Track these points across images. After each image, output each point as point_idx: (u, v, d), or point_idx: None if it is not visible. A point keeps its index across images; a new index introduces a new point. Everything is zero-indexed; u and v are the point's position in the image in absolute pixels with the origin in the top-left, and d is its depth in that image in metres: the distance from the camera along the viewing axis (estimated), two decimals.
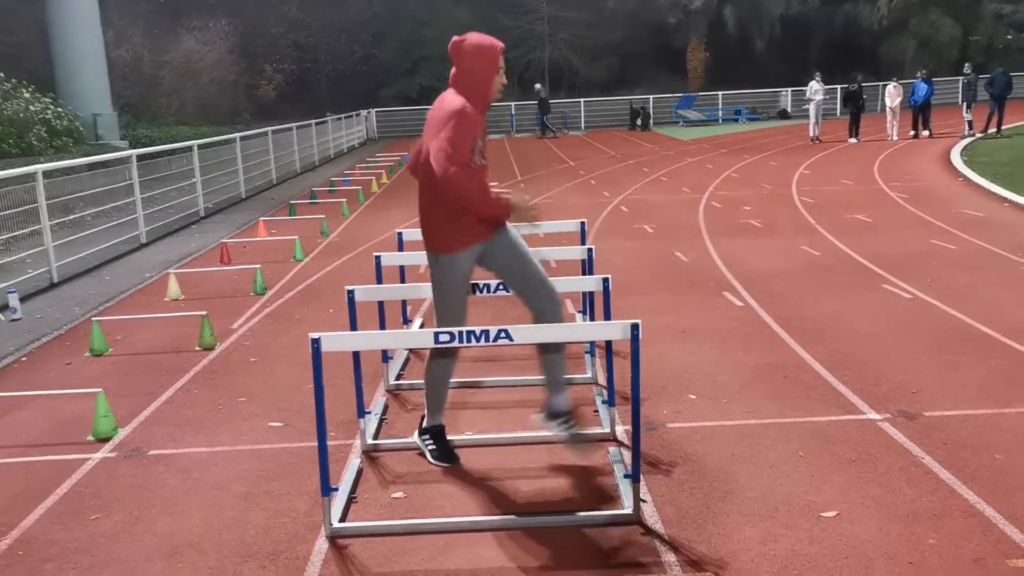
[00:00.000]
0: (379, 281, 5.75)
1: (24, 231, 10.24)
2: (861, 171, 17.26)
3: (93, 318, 7.15)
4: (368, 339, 4.18)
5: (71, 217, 11.75)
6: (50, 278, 9.67)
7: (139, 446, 4.96)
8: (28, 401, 5.73)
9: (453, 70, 4.17)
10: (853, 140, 23.97)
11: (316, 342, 3.68)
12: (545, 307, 4.33)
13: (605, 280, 4.77)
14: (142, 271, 10.26)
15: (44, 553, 3.79)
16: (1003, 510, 3.75)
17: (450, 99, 4.10)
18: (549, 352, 4.30)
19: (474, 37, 4.17)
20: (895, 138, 23.88)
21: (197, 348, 6.85)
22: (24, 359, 6.83)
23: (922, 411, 4.92)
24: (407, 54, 44.99)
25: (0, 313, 8.08)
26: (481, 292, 4.85)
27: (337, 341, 3.77)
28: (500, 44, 4.21)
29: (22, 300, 8.52)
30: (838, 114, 35.05)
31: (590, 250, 5.68)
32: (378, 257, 5.69)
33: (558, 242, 9.09)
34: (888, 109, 24.49)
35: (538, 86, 34.22)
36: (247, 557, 3.69)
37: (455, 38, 4.17)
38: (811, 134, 24.81)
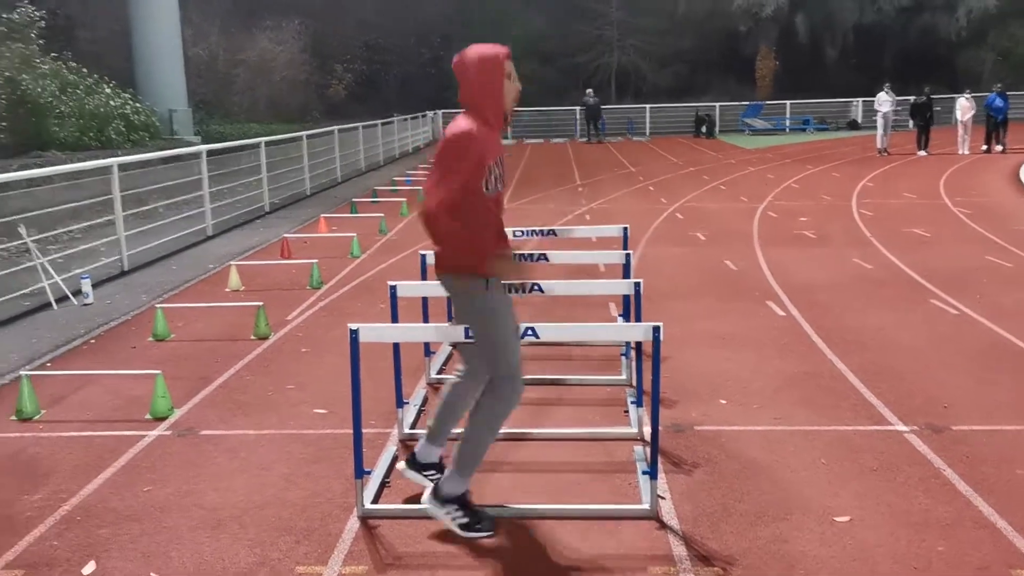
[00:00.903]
0: (423, 278, 5.98)
1: (99, 220, 10.76)
2: (926, 185, 17.03)
3: (157, 305, 7.53)
4: (403, 332, 4.40)
5: (143, 208, 12.27)
6: (121, 266, 10.14)
7: (192, 426, 5.27)
8: (95, 380, 6.10)
9: (461, 91, 3.77)
10: (922, 153, 23.59)
11: (354, 333, 3.91)
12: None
13: (637, 284, 4.92)
14: (206, 262, 10.69)
15: (100, 519, 4.10)
16: (1016, 523, 3.82)
17: (456, 123, 3.72)
18: (476, 424, 3.87)
19: (475, 49, 3.77)
20: (965, 152, 23.43)
21: (252, 337, 7.17)
22: (93, 341, 7.23)
23: (950, 425, 4.97)
24: None
25: (73, 297, 8.53)
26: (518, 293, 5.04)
27: (374, 333, 4.00)
28: (504, 49, 3.79)
29: (95, 286, 8.98)
30: (910, 126, 34.42)
31: (628, 255, 5.83)
32: (423, 255, 5.92)
33: (607, 246, 9.22)
34: (959, 123, 24.04)
35: (589, 91, 34.25)
36: (284, 532, 3.94)
37: (456, 56, 3.80)
38: (879, 146, 24.47)
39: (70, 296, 8.54)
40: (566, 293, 5.33)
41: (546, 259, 5.77)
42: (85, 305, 8.41)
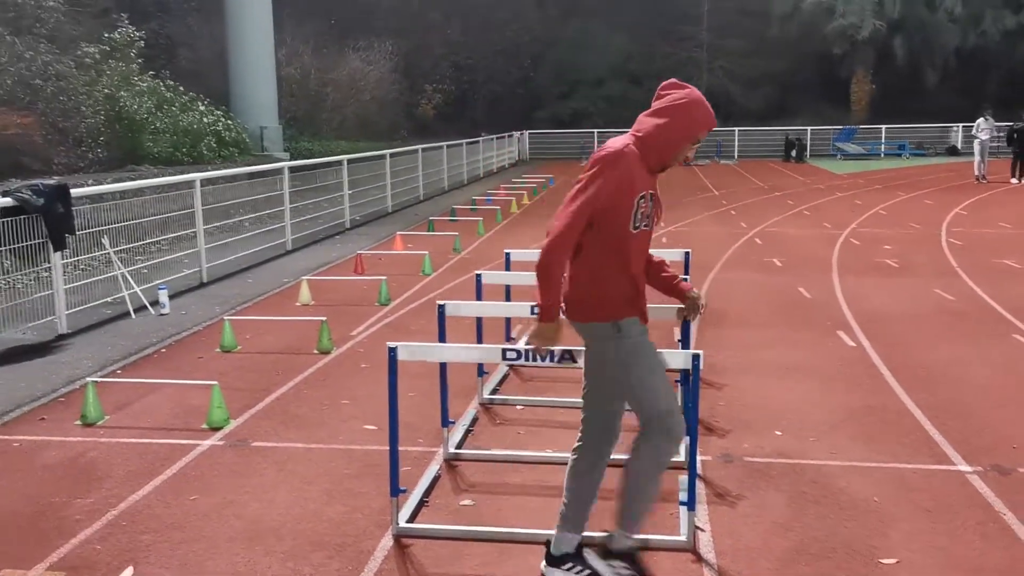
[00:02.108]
0: (479, 298, 5.99)
1: (181, 233, 11.12)
2: (1023, 215, 16.32)
3: (225, 317, 7.72)
4: (441, 351, 4.40)
5: (225, 222, 12.62)
6: (200, 278, 10.45)
7: (245, 437, 5.37)
8: (159, 388, 6.28)
9: (646, 114, 3.50)
10: (1016, 182, 22.65)
11: (393, 351, 3.94)
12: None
13: (696, 357, 4.81)
14: (281, 276, 10.93)
15: (144, 525, 4.20)
16: None
17: (612, 142, 3.43)
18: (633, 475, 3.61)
19: (693, 94, 3.47)
20: None
21: (315, 351, 7.29)
22: (163, 350, 7.46)
23: (1017, 467, 4.72)
24: (562, 77, 45.61)
25: (151, 308, 8.82)
26: None
27: (412, 351, 4.02)
28: (713, 122, 3.50)
29: (173, 297, 9.28)
30: (1009, 152, 33.07)
31: (685, 279, 5.71)
32: (479, 275, 5.93)
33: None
34: None
35: None
36: (318, 546, 3.97)
37: (673, 80, 3.54)
38: (976, 172, 23.59)
39: (148, 306, 8.83)
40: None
41: None
42: (161, 315, 8.68)
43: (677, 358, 3.85)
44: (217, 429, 5.49)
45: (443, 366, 4.93)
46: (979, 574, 3.62)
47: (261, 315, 8.57)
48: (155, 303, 8.88)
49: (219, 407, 5.56)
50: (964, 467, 4.75)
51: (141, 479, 4.75)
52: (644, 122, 3.47)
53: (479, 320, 5.90)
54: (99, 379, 6.20)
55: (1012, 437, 5.17)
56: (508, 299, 6.63)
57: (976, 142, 23.65)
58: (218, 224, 12.48)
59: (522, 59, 45.44)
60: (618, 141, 3.42)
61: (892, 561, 3.74)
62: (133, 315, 8.62)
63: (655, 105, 3.48)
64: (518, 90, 45.19)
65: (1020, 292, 9.31)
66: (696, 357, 3.72)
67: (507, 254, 6.71)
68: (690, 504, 3.88)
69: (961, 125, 37.04)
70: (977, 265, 11.04)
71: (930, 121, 38.58)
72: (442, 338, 5.14)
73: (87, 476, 4.81)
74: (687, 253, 6.61)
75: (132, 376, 6.66)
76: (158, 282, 9.46)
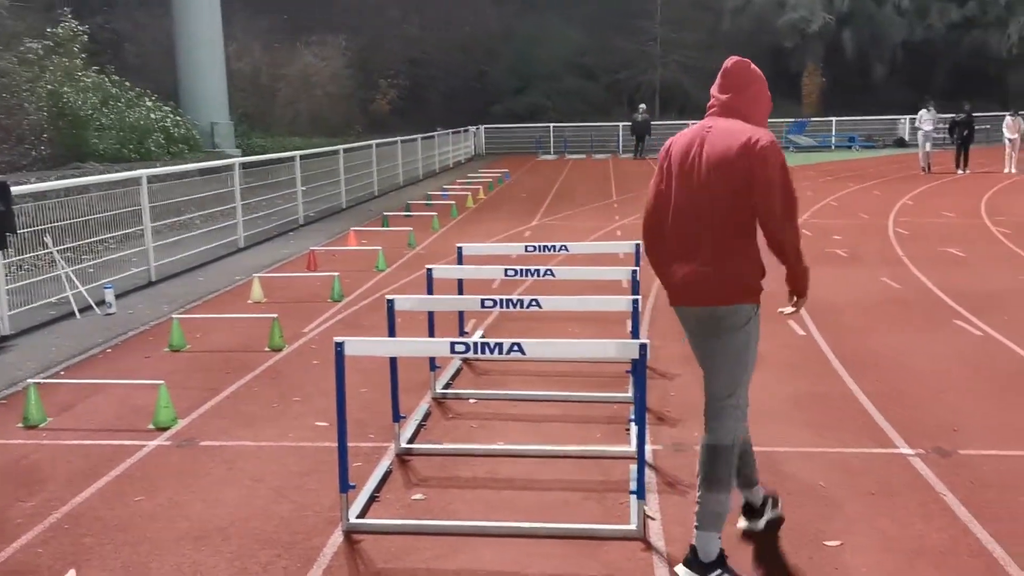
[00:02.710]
0: (430, 292, 5.96)
1: (127, 231, 10.92)
2: (968, 204, 16.66)
3: (173, 316, 7.61)
4: (389, 345, 4.38)
5: (173, 220, 12.43)
6: (148, 277, 10.29)
7: (193, 436, 5.30)
8: (103, 389, 6.16)
9: (731, 96, 3.56)
10: (960, 172, 23.11)
11: (340, 346, 3.91)
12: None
13: (635, 302, 4.85)
14: (233, 274, 10.80)
15: (87, 528, 4.12)
16: (1014, 552, 3.67)
17: (755, 132, 3.45)
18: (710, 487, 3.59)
19: (754, 65, 3.63)
20: (1012, 171, 22.89)
21: (266, 349, 7.21)
22: (109, 351, 7.33)
23: (957, 449, 4.82)
24: (517, 72, 45.65)
25: (96, 307, 8.66)
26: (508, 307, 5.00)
27: (359, 346, 3.99)
28: None
29: (120, 296, 9.13)
30: (950, 142, 33.75)
31: (634, 271, 5.76)
32: (430, 270, 5.91)
33: (631, 262, 9.14)
34: (1006, 141, 23.50)
35: (642, 107, 34.11)
36: (266, 545, 3.93)
37: (738, 59, 3.60)
38: (921, 164, 24.02)
39: (93, 306, 8.67)
40: (563, 308, 5.27)
41: (552, 275, 5.73)
42: (107, 315, 8.53)
43: (624, 348, 3.86)
44: (164, 429, 5.41)
45: (393, 361, 4.91)
46: (920, 555, 3.69)
47: (211, 313, 8.46)
48: (101, 303, 8.72)
49: (166, 407, 5.48)
50: (906, 450, 4.84)
51: (84, 481, 4.66)
52: (754, 106, 3.58)
53: (431, 315, 5.88)
54: (42, 380, 6.08)
55: (953, 421, 5.28)
56: (460, 293, 6.63)
57: (920, 133, 24.11)
58: (167, 222, 12.30)
59: (477, 54, 45.37)
60: (763, 132, 3.46)
61: (836, 543, 3.80)
62: (78, 315, 8.46)
63: (745, 88, 3.56)
64: (473, 85, 45.11)
65: (963, 279, 9.50)
66: (643, 347, 3.73)
67: (459, 248, 6.69)
68: (639, 493, 3.91)
69: (908, 117, 37.62)
70: (923, 254, 11.24)
71: (879, 113, 39.21)
72: (392, 333, 5.11)
73: (29, 479, 4.71)
74: (638, 245, 6.64)
75: (76, 377, 6.53)
76: (104, 281, 9.29)
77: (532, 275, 5.75)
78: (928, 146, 23.96)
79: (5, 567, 3.78)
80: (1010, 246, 11.78)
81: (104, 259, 10.44)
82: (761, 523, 3.90)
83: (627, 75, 47.05)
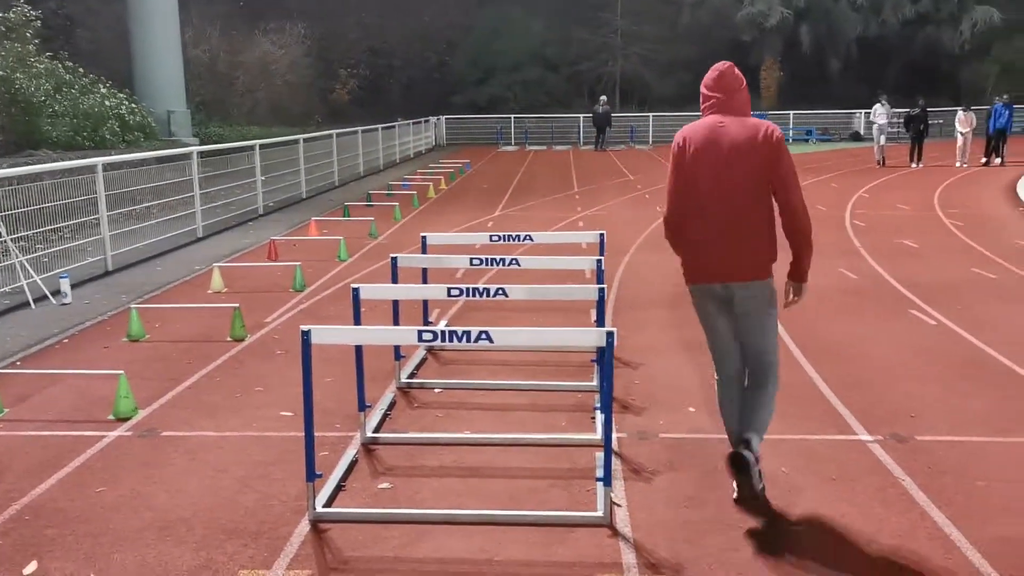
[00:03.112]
0: (394, 281, 5.94)
1: (83, 220, 10.72)
2: (921, 197, 16.96)
3: (131, 306, 7.49)
4: (357, 334, 4.36)
5: (130, 209, 12.22)
6: (105, 266, 10.12)
7: (154, 427, 5.23)
8: (60, 379, 6.06)
9: (729, 95, 4.05)
10: (914, 165, 23.51)
11: (306, 334, 3.88)
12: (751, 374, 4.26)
13: (601, 290, 4.89)
14: (192, 264, 10.67)
15: (48, 520, 4.06)
16: (970, 535, 3.76)
17: (766, 124, 4.00)
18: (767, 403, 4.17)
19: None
20: (964, 165, 23.35)
21: (228, 339, 7.14)
22: (66, 341, 7.20)
23: (914, 435, 4.92)
24: (479, 63, 45.52)
25: (52, 297, 8.51)
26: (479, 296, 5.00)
27: (326, 334, 3.97)
28: None
29: (76, 286, 8.97)
30: (907, 136, 34.32)
31: (599, 261, 5.79)
32: (394, 258, 5.89)
33: (594, 252, 9.18)
34: (958, 135, 23.95)
35: (603, 98, 34.22)
36: (232, 535, 3.90)
37: (729, 63, 4.15)
38: (876, 157, 24.40)
39: (48, 295, 8.52)
40: (530, 297, 5.28)
41: (518, 264, 5.73)
42: (63, 305, 8.39)
43: (591, 336, 3.89)
44: (124, 420, 5.34)
45: (359, 350, 4.89)
46: (878, 539, 3.76)
47: (171, 303, 8.35)
48: (56, 292, 8.57)
49: (126, 397, 5.40)
50: (865, 436, 4.93)
51: (44, 472, 4.59)
52: (742, 104, 4.10)
53: (395, 304, 5.85)
54: None
55: (909, 407, 5.39)
56: (425, 282, 6.61)
57: (875, 127, 24.49)
58: (123, 211, 12.09)
59: (438, 44, 45.16)
60: (766, 123, 4.02)
61: (799, 528, 3.87)
62: (33, 305, 8.30)
63: (740, 90, 4.10)
64: (434, 75, 44.92)
65: (917, 271, 9.68)
66: (610, 335, 3.76)
67: (423, 237, 6.67)
68: (606, 480, 3.94)
69: (863, 112, 38.18)
70: (878, 245, 11.43)
71: (834, 107, 39.75)
72: (357, 322, 5.08)
73: None
74: (602, 235, 6.68)
75: (33, 367, 6.41)
76: (60, 271, 9.13)
77: (497, 264, 5.75)
78: (883, 140, 24.33)
79: None
80: (963, 238, 12.01)
81: (58, 248, 10.25)
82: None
83: (588, 67, 47.15)
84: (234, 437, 5.06)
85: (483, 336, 3.85)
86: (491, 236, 6.74)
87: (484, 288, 4.86)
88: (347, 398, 5.51)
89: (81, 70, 18.89)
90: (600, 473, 4.36)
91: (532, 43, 45.99)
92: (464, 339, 3.85)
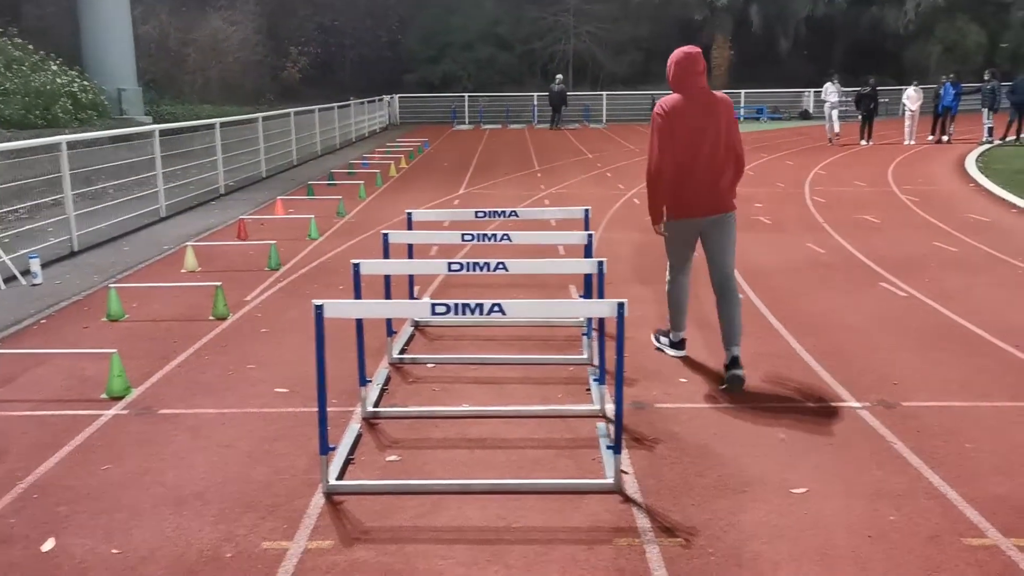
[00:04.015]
0: (386, 257, 5.95)
1: (46, 200, 10.52)
2: (875, 173, 17.35)
3: (110, 285, 7.39)
4: (367, 307, 4.39)
5: (92, 188, 12.01)
6: (71, 246, 9.94)
7: (150, 405, 5.21)
8: (46, 359, 5.99)
9: (699, 74, 5.39)
10: (864, 143, 23.99)
11: (319, 308, 3.90)
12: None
13: (600, 263, 4.97)
14: (160, 243, 10.53)
15: (57, 497, 4.04)
16: (965, 494, 3.94)
17: (724, 96, 5.41)
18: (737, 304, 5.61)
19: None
20: (912, 142, 23.88)
21: (211, 317, 7.09)
22: (43, 321, 7.10)
23: (900, 401, 5.10)
24: (431, 41, 45.15)
25: (22, 277, 8.35)
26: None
27: (339, 308, 3.99)
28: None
29: (43, 267, 8.79)
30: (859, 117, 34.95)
31: (590, 236, 5.87)
32: (386, 235, 5.90)
33: (566, 229, 9.26)
34: (907, 113, 24.46)
35: (559, 77, 34.27)
36: (248, 508, 3.92)
37: (698, 49, 5.47)
38: (828, 135, 24.83)
39: (18, 276, 8.36)
40: (531, 272, 5.36)
41: (509, 239, 5.79)
42: (34, 285, 8.24)
43: (602, 307, 3.97)
44: (118, 399, 5.30)
45: (359, 325, 4.91)
46: (880, 499, 3.92)
47: (145, 283, 8.25)
48: (26, 272, 8.41)
49: (119, 376, 5.36)
50: (854, 403, 5.10)
51: (44, 451, 4.55)
52: (705, 78, 5.49)
53: (387, 279, 5.87)
54: None
55: (891, 375, 5.57)
56: (411, 257, 6.63)
57: (826, 105, 24.91)
58: (80, 191, 11.85)
59: (390, 22, 44.65)
60: (719, 93, 5.41)
61: (802, 490, 4.01)
62: (2, 285, 8.14)
63: (704, 67, 5.47)
64: (386, 53, 44.43)
65: (882, 245, 9.94)
66: (621, 305, 3.84)
67: (408, 214, 6.68)
68: (616, 448, 4.03)
69: (812, 91, 38.80)
70: (841, 221, 11.70)
71: (784, 87, 40.30)
72: (358, 296, 5.10)
73: None
74: (586, 211, 6.76)
75: (10, 348, 6.31)
76: (28, 250, 8.95)
77: (490, 240, 5.80)
78: (835, 116, 24.75)
79: None
80: (920, 213, 12.34)
81: (20, 229, 10.05)
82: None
83: (540, 46, 47.04)
84: (234, 414, 5.06)
85: (496, 308, 3.91)
86: (476, 212, 6.78)
87: (485, 263, 4.91)
88: (341, 374, 5.52)
89: (31, 47, 18.39)
90: (608, 442, 4.47)
91: (484, 21, 45.72)
92: (477, 311, 3.90)
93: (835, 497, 3.93)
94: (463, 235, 5.89)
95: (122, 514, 3.87)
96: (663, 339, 6.12)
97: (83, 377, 5.67)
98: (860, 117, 24.72)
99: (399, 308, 4.36)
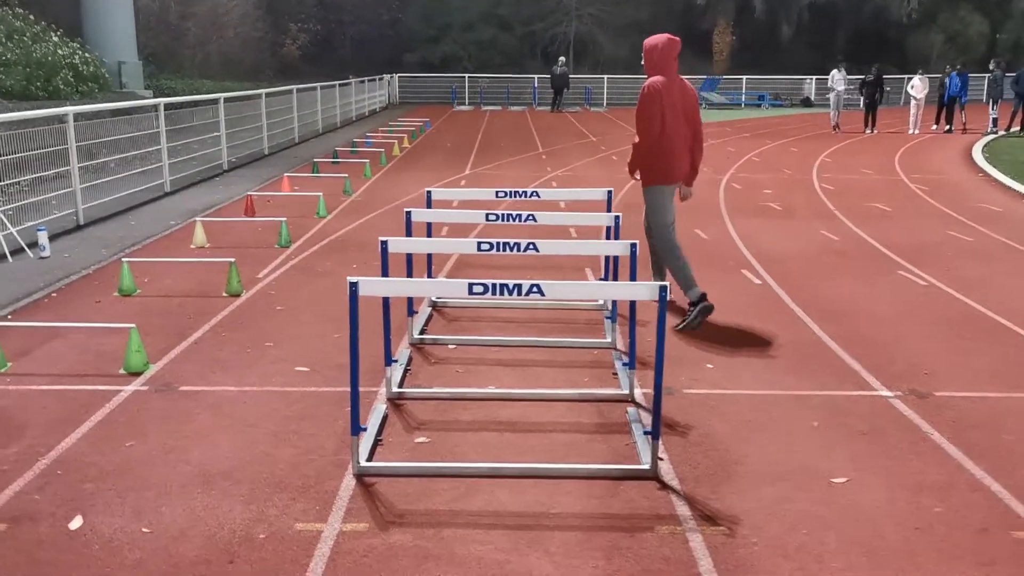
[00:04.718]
0: (409, 234, 5.85)
1: (49, 172, 10.34)
2: (882, 162, 17.26)
3: (123, 259, 7.27)
4: (403, 286, 4.30)
5: (96, 162, 11.82)
6: (76, 220, 9.81)
7: (170, 382, 5.11)
8: (61, 333, 5.88)
9: (674, 61, 6.21)
10: (868, 132, 23.89)
11: (354, 286, 3.80)
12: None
13: (633, 245, 4.87)
14: (167, 218, 10.39)
15: (82, 474, 3.95)
16: (1009, 486, 3.87)
17: (688, 82, 6.37)
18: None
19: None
20: (916, 131, 23.79)
21: (224, 294, 6.99)
22: (54, 295, 6.98)
23: (933, 391, 5.03)
24: (432, 21, 44.83)
25: (29, 250, 8.23)
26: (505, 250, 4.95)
27: (374, 286, 3.90)
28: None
29: (50, 240, 8.65)
30: (860, 105, 34.85)
31: (617, 217, 5.78)
32: (408, 212, 5.79)
33: (583, 210, 9.15)
34: (912, 102, 24.35)
35: (562, 59, 34.07)
36: (278, 488, 3.83)
37: (677, 37, 6.27)
38: (832, 122, 24.72)
39: (26, 248, 8.24)
40: (562, 253, 5.28)
41: (534, 219, 5.69)
42: (42, 258, 8.12)
43: (643, 290, 3.88)
44: (137, 374, 5.20)
45: (386, 304, 4.82)
46: (923, 490, 3.85)
47: (155, 257, 8.13)
48: (33, 245, 8.28)
49: (137, 351, 5.26)
50: (886, 392, 5.03)
51: (65, 427, 4.45)
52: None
53: (409, 257, 5.77)
54: None
55: (920, 364, 5.51)
56: (429, 235, 6.52)
57: (832, 93, 24.77)
58: (94, 163, 11.68)
59: (391, 0, 44.28)
60: (685, 79, 6.39)
61: (843, 480, 3.94)
62: (10, 258, 8.02)
63: (676, 56, 6.29)
64: (386, 32, 44.07)
65: (895, 233, 9.86)
66: (663, 288, 3.76)
67: (428, 193, 6.57)
68: (654, 432, 3.95)
69: (814, 78, 38.67)
70: (852, 208, 11.62)
71: (785, 73, 40.12)
72: (385, 274, 5.00)
73: (4, 425, 4.47)
74: (609, 192, 6.67)
75: (25, 321, 6.19)
76: (31, 223, 8.82)
77: (515, 220, 5.70)
78: (840, 106, 24.63)
79: (3, 514, 3.59)
80: (931, 202, 12.27)
81: (23, 202, 9.89)
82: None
83: (542, 27, 46.77)
84: (255, 392, 4.97)
85: (534, 289, 3.82)
86: (497, 192, 6.68)
87: (515, 243, 4.81)
88: (362, 354, 5.41)
89: (32, 17, 18.13)
90: (641, 428, 4.39)
91: (486, 2, 45.38)
92: (516, 292, 3.82)
93: (877, 488, 3.86)
94: (487, 215, 5.79)
95: (150, 492, 3.78)
96: (691, 309, 6.20)
97: (99, 352, 5.57)
98: (863, 105, 24.60)
99: (434, 287, 4.26)
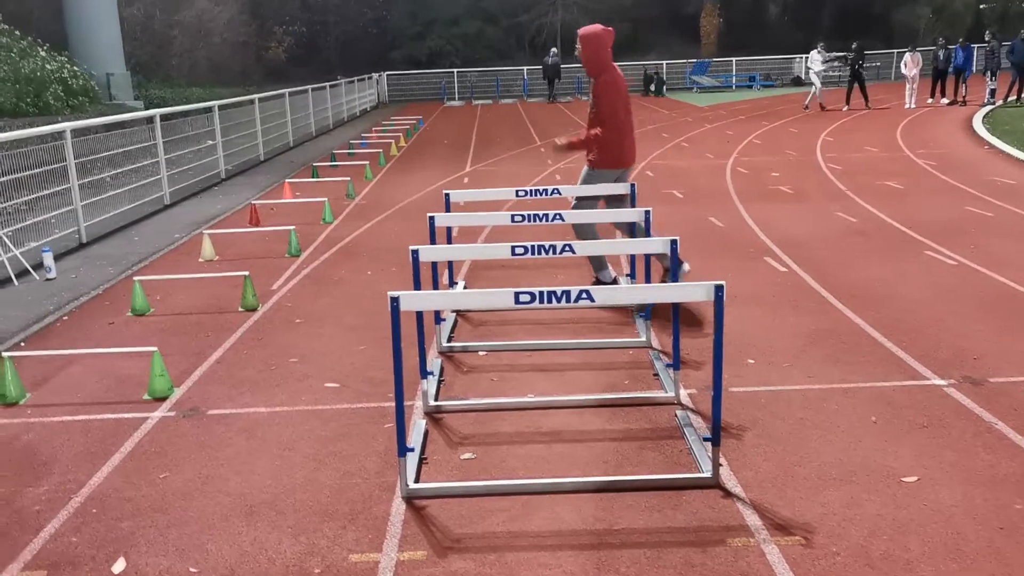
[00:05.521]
0: (432, 241, 5.67)
1: (47, 191, 10.12)
2: (884, 138, 17.11)
3: (135, 278, 7.07)
4: (447, 299, 4.12)
5: (96, 177, 11.61)
6: (79, 238, 9.61)
7: (197, 405, 4.93)
8: (77, 359, 5.69)
9: (610, 52, 6.54)
10: (845, 108, 23.83)
11: (395, 301, 3.63)
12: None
13: (673, 242, 4.69)
14: (171, 231, 10.19)
15: (118, 511, 3.77)
16: None
17: None
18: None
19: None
20: (913, 106, 23.63)
21: (240, 309, 6.80)
22: (65, 318, 6.79)
23: (987, 377, 4.87)
24: (417, 17, 44.57)
25: (34, 272, 8.03)
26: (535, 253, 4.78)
27: (416, 300, 3.72)
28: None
29: (55, 260, 8.46)
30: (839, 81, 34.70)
31: (647, 212, 5.60)
32: (432, 217, 5.61)
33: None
34: (907, 77, 24.18)
35: (554, 50, 33.86)
36: (326, 517, 3.66)
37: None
38: (819, 100, 24.56)
39: (31, 270, 8.04)
40: (600, 252, 5.10)
41: (561, 218, 5.52)
42: (48, 280, 7.92)
43: (697, 290, 3.70)
44: (162, 399, 5.02)
45: (420, 315, 4.64)
46: (1000, 485, 3.69)
47: (165, 274, 7.93)
48: (39, 267, 8.08)
49: (161, 375, 5.07)
50: (938, 381, 4.87)
51: (95, 460, 4.27)
52: None
53: (434, 265, 5.60)
54: (11, 354, 5.55)
55: (968, 349, 5.35)
56: (449, 241, 6.35)
57: (812, 73, 24.70)
58: (93, 179, 11.46)
59: None
60: None
61: (914, 479, 3.77)
62: (15, 281, 7.82)
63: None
64: (371, 31, 43.85)
65: (913, 211, 9.70)
66: (719, 288, 3.59)
67: (446, 195, 6.40)
68: (715, 439, 3.78)
69: (803, 56, 38.46)
70: (863, 187, 11.46)
71: (774, 53, 39.93)
72: (417, 286, 4.83)
73: (30, 461, 4.29)
74: (632, 186, 6.49)
75: (40, 348, 6.00)
76: (34, 244, 8.62)
77: (540, 220, 5.53)
78: (818, 83, 24.59)
79: (40, 560, 3.41)
80: (942, 177, 12.11)
81: (25, 223, 9.68)
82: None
83: (527, 19, 46.54)
84: (287, 412, 4.79)
85: (584, 295, 3.65)
86: (517, 191, 6.51)
87: (551, 245, 4.64)
88: (389, 365, 5.24)
89: (18, 32, 17.85)
90: (694, 433, 4.23)
91: None
92: (564, 299, 3.64)
93: (951, 485, 3.71)
94: (512, 216, 5.60)
95: (192, 527, 3.61)
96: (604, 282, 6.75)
97: (120, 376, 5.38)
98: (847, 81, 24.50)
99: (479, 299, 4.08)
